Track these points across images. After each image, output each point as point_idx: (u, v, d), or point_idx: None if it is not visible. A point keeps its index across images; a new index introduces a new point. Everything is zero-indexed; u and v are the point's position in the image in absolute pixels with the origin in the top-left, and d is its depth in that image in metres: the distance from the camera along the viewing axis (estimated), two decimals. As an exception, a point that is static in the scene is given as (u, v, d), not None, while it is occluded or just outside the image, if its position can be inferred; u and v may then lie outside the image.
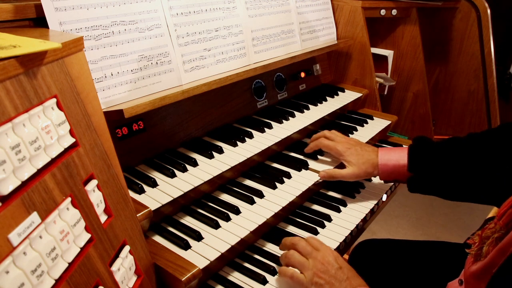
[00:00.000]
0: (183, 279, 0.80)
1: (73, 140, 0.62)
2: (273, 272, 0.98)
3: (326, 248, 0.92)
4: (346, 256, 1.22)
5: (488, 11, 1.95)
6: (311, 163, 1.23)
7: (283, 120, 1.30)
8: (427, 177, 1.10)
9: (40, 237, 0.52)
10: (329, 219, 1.17)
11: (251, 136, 1.19)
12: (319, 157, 1.27)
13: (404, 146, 1.47)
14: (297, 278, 0.88)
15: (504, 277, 0.68)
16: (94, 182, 0.65)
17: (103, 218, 0.68)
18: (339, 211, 1.20)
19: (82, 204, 0.62)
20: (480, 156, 1.04)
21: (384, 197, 1.30)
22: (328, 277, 0.86)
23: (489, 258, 0.76)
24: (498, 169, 1.00)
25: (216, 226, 0.95)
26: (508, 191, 0.81)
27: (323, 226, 1.14)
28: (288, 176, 1.16)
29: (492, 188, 1.00)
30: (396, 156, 1.14)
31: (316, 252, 0.91)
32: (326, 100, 1.50)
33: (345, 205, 1.23)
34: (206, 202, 1.05)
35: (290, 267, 0.91)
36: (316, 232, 1.11)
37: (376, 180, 1.37)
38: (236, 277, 0.98)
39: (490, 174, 1.01)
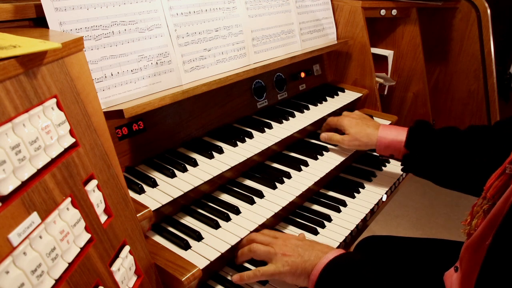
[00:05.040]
0: (183, 279, 0.80)
1: (73, 140, 0.62)
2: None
3: (284, 234, 0.99)
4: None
5: (488, 11, 1.95)
6: (311, 163, 1.23)
7: (283, 120, 1.30)
8: (421, 156, 1.15)
9: (40, 237, 0.52)
10: (329, 219, 1.17)
11: (251, 136, 1.19)
12: (319, 157, 1.27)
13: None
14: (267, 271, 0.90)
15: (498, 248, 0.68)
16: (94, 182, 0.65)
17: (103, 218, 0.68)
18: (339, 211, 1.20)
19: (82, 204, 0.62)
20: (475, 145, 1.07)
21: (384, 197, 1.30)
22: (296, 252, 0.91)
23: (480, 229, 0.76)
24: (489, 160, 1.01)
25: (216, 226, 0.95)
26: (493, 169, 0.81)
27: (323, 226, 1.14)
28: (288, 176, 1.16)
29: (481, 178, 1.02)
30: (396, 132, 1.22)
31: (275, 239, 0.96)
32: (326, 100, 1.50)
33: (345, 205, 1.23)
34: (206, 202, 1.05)
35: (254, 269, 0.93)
36: (316, 232, 1.11)
37: (376, 180, 1.37)
38: (236, 277, 0.98)
39: (481, 164, 1.03)
